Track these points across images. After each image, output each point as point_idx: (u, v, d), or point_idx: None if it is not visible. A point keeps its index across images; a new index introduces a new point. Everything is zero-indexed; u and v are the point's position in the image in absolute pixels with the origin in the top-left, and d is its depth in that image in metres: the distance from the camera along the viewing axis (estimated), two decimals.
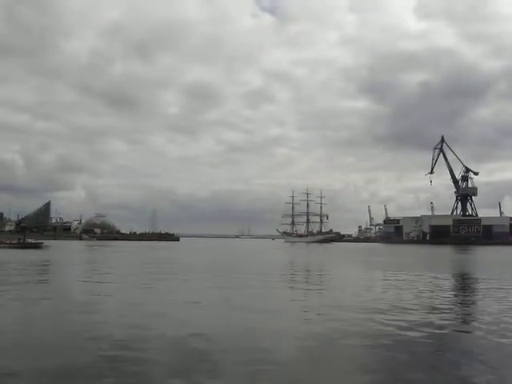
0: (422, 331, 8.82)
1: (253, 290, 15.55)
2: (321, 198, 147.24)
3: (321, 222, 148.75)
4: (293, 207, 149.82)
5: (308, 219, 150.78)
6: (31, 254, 39.06)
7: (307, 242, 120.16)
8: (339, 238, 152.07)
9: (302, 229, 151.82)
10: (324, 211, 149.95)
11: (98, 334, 8.37)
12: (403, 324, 9.47)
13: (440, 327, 9.36)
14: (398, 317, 10.33)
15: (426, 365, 6.72)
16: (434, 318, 10.31)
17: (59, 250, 52.44)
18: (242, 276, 21.06)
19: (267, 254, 53.04)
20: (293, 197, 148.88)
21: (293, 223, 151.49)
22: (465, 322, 10.39)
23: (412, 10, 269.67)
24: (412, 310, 11.48)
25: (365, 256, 48.51)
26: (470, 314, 11.46)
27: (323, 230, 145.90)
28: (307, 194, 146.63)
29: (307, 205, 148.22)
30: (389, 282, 19.55)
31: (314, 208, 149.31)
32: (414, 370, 6.45)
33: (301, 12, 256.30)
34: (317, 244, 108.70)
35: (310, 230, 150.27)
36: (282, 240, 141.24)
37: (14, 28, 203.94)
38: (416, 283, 18.50)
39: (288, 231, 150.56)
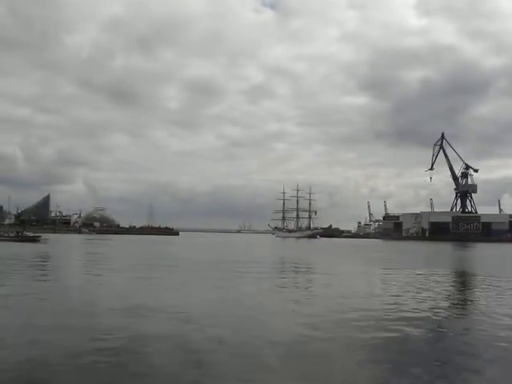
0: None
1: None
2: (310, 194, 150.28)
3: (309, 217, 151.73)
4: (284, 203, 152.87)
5: (298, 215, 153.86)
6: (27, 247, 39.01)
7: (296, 237, 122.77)
8: (338, 233, 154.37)
9: (292, 224, 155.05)
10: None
11: None
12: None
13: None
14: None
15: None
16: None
17: (57, 243, 52.43)
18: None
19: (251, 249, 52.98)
20: (284, 193, 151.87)
21: (283, 219, 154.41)
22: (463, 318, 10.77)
23: (413, 6, 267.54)
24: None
25: (352, 252, 48.19)
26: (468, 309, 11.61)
27: (314, 226, 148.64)
28: (297, 190, 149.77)
29: (297, 201, 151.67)
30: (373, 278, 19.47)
31: (306, 204, 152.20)
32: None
33: (302, 7, 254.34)
34: (306, 239, 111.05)
35: (299, 225, 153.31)
36: (275, 235, 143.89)
37: (16, 22, 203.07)
38: (390, 278, 18.45)
39: (279, 226, 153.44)
